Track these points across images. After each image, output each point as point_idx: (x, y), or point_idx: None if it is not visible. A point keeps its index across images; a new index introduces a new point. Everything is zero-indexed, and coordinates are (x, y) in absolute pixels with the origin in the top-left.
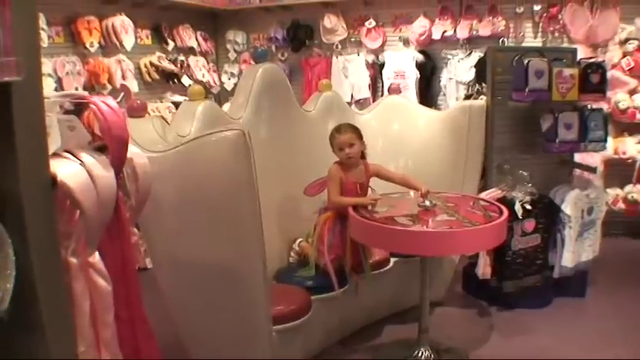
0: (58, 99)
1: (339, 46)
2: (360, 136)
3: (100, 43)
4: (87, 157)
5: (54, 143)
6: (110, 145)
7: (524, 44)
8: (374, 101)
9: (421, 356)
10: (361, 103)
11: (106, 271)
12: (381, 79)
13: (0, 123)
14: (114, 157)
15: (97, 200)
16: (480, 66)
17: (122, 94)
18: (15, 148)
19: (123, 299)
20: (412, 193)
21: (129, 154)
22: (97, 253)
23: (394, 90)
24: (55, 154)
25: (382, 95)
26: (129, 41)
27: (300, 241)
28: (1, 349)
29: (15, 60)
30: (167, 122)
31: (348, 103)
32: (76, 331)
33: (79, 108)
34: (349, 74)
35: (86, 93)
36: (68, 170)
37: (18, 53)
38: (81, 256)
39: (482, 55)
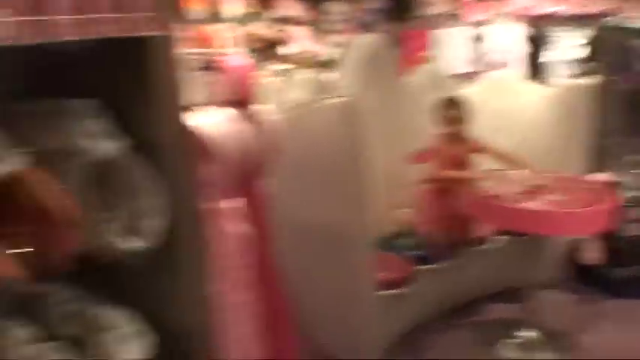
0: (194, 56)
1: (441, 19)
2: (467, 112)
3: None
4: (222, 111)
5: (193, 97)
6: (242, 101)
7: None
8: (475, 75)
9: (525, 336)
10: (461, 77)
11: (244, 217)
12: (484, 53)
13: (141, 76)
14: (245, 111)
15: (234, 151)
16: (592, 44)
17: None
18: (154, 100)
19: (257, 244)
20: (517, 171)
21: (260, 111)
22: (233, 200)
23: (497, 65)
24: (195, 107)
25: (484, 70)
26: (234, 10)
27: (404, 211)
28: (145, 285)
29: (153, 15)
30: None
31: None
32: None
33: (213, 66)
34: (450, 47)
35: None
36: (207, 121)
37: (155, 9)
38: (219, 202)
39: (592, 33)
